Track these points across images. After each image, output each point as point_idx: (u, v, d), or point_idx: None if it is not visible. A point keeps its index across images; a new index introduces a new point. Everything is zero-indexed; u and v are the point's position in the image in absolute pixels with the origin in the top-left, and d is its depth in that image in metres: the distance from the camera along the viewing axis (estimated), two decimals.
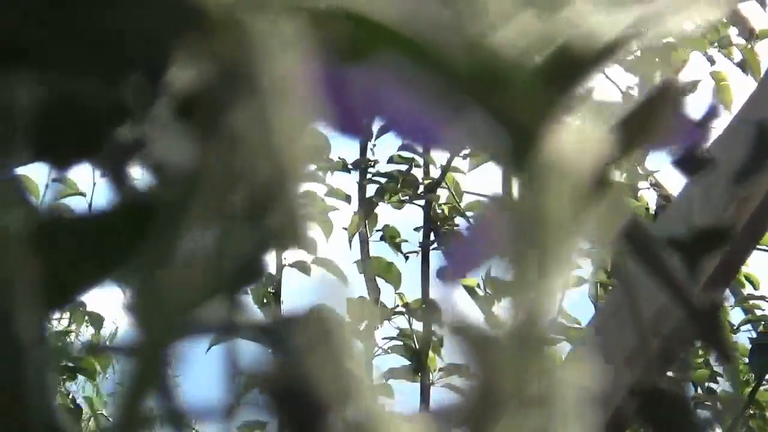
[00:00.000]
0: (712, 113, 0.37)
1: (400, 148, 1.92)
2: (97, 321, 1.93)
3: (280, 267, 1.86)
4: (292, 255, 1.85)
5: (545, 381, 0.23)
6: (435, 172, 1.98)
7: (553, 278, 0.20)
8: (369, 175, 1.93)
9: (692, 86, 1.62)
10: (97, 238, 0.27)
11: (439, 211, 1.97)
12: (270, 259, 0.28)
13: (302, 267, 1.86)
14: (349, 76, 0.23)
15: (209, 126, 0.25)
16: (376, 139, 1.89)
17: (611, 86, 1.77)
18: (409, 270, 1.96)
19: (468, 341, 0.25)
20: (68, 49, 0.27)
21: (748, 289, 1.93)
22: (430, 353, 1.96)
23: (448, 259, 0.28)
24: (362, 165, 1.90)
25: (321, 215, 1.79)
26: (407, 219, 2.06)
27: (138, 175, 0.28)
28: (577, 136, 0.20)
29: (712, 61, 1.86)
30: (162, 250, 0.25)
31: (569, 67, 0.20)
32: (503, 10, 0.20)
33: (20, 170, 0.27)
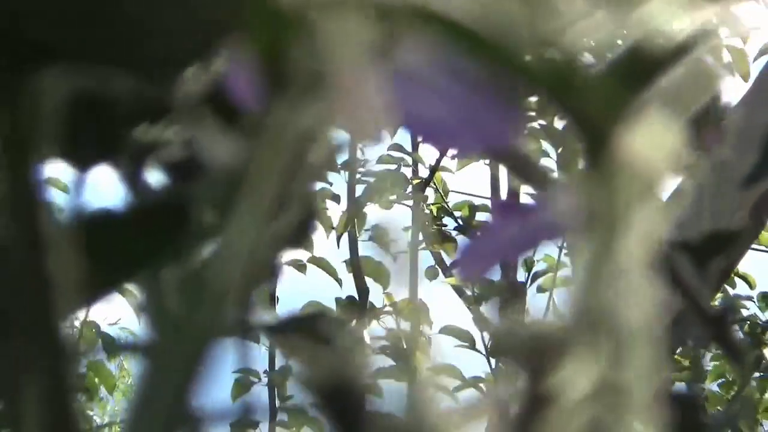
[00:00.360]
0: (720, 114, 0.37)
1: (390, 148, 1.92)
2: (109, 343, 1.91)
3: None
4: (288, 254, 1.84)
5: (606, 378, 0.22)
6: (423, 172, 1.98)
7: (621, 276, 0.20)
8: (358, 175, 1.92)
9: None
10: (124, 237, 0.27)
11: (427, 211, 1.97)
12: None
13: (298, 266, 1.86)
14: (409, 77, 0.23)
15: (253, 124, 0.25)
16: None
17: None
18: (397, 270, 1.96)
19: (520, 342, 0.25)
20: (112, 45, 0.27)
21: (738, 289, 1.94)
22: (417, 353, 1.96)
23: (469, 254, 0.28)
24: (352, 165, 1.90)
25: (323, 214, 1.79)
26: (396, 218, 2.06)
27: (154, 176, 0.28)
28: (649, 136, 0.20)
29: None
30: (201, 249, 0.25)
31: (642, 66, 0.20)
32: (577, 10, 0.20)
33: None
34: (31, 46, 0.26)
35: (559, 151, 1.77)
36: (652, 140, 0.20)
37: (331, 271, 1.85)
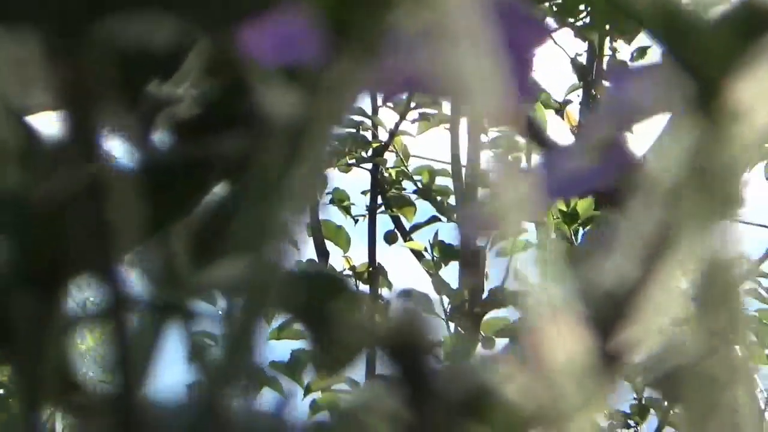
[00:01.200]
0: None
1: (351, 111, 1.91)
2: None
3: None
4: None
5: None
6: (383, 135, 1.98)
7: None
8: None
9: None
10: (139, 194, 0.27)
11: (386, 174, 1.97)
12: None
13: None
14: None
15: (315, 79, 0.25)
16: None
17: (560, 52, 1.78)
18: (356, 233, 1.96)
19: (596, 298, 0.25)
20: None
21: None
22: (377, 317, 1.96)
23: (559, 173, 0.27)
24: None
25: None
26: (356, 181, 2.06)
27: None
28: (760, 87, 0.20)
29: None
30: (268, 208, 0.25)
31: (755, 19, 0.20)
32: None
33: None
34: None
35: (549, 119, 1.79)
36: (763, 91, 0.20)
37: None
